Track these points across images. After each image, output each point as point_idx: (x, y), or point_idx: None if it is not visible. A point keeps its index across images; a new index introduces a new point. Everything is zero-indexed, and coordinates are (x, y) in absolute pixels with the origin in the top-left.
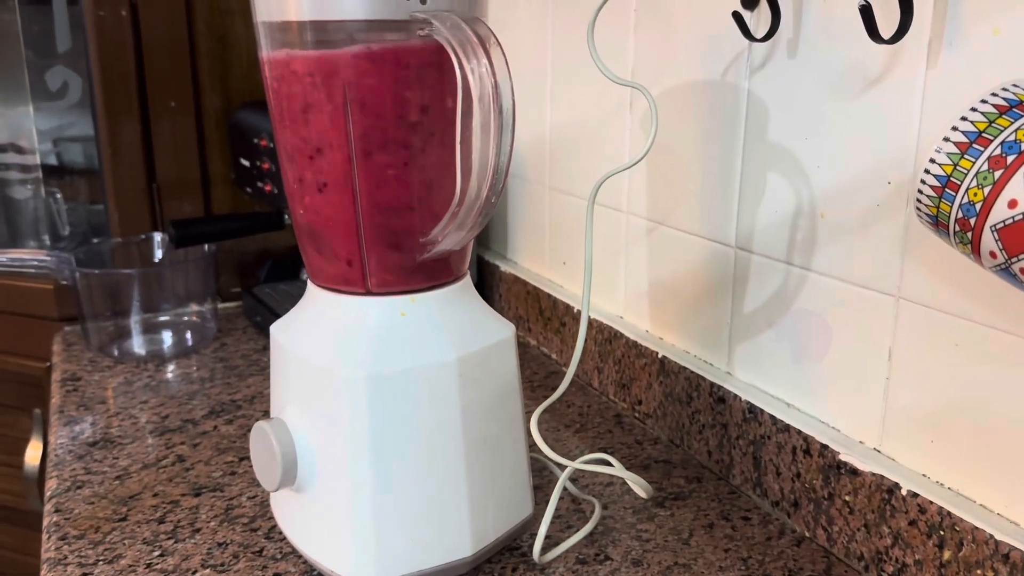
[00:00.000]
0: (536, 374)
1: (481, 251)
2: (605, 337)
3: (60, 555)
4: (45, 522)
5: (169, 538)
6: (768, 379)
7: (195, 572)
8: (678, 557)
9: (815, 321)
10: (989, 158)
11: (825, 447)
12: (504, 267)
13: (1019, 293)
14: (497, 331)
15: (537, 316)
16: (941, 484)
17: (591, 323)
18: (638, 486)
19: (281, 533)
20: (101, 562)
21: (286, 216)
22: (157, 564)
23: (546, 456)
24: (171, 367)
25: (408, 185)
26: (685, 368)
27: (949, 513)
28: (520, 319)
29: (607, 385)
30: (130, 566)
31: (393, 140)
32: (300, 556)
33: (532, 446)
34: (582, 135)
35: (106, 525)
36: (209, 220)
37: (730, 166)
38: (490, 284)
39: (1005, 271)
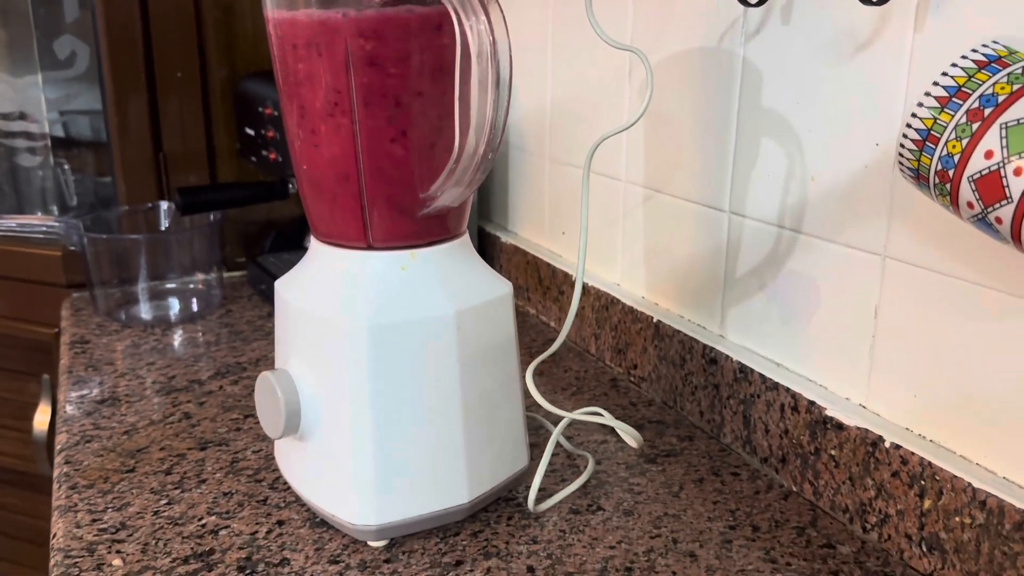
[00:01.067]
0: (535, 341)
1: (482, 222)
2: (602, 304)
3: (70, 503)
4: (55, 473)
5: (176, 488)
6: (759, 340)
7: (201, 519)
8: (668, 508)
9: (804, 282)
10: (968, 111)
11: (812, 403)
12: (504, 238)
13: (1000, 249)
14: (495, 288)
15: (536, 285)
16: (923, 437)
17: (589, 290)
18: (629, 436)
19: (285, 484)
20: (110, 509)
21: (291, 185)
22: (164, 512)
23: (541, 408)
24: (177, 332)
25: (408, 141)
26: (679, 332)
27: (930, 464)
28: (520, 289)
29: (603, 351)
30: (138, 513)
31: (393, 97)
32: (303, 504)
33: (530, 406)
34: (581, 106)
35: (115, 476)
36: (215, 188)
37: (725, 132)
38: (491, 255)
39: (982, 221)
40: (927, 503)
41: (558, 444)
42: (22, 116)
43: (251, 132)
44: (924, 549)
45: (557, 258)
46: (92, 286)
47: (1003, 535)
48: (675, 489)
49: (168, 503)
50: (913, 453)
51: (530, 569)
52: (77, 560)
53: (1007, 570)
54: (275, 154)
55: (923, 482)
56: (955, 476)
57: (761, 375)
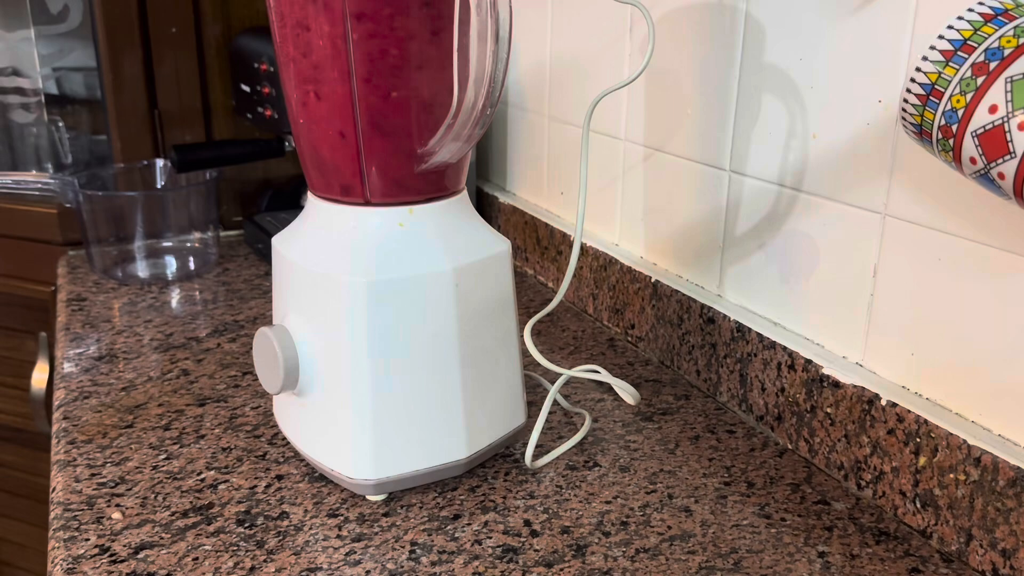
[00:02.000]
0: (532, 301)
1: (480, 183)
2: (600, 264)
3: (69, 457)
4: (54, 428)
5: (175, 443)
6: (757, 299)
7: (200, 474)
8: (664, 465)
9: (804, 241)
10: (973, 65)
11: (809, 362)
12: (503, 198)
13: (1001, 206)
14: (493, 245)
15: (534, 245)
16: (919, 395)
17: (587, 250)
18: (626, 392)
19: (284, 440)
20: (109, 464)
21: (287, 143)
22: (163, 466)
23: (539, 367)
24: (174, 290)
25: (406, 95)
26: (677, 291)
27: (926, 421)
28: (518, 249)
29: (601, 311)
30: (137, 468)
31: (392, 50)
32: (302, 459)
33: (527, 365)
34: (581, 64)
35: (113, 431)
36: (211, 145)
37: (726, 90)
38: (489, 215)
39: (984, 177)
40: (922, 460)
41: (555, 402)
42: (15, 72)
43: (247, 88)
44: (918, 505)
45: (555, 218)
46: (88, 244)
47: (997, 491)
48: (671, 446)
49: (167, 458)
50: (909, 411)
51: (527, 523)
52: (77, 513)
53: (1000, 526)
54: (271, 111)
55: (918, 439)
56: (950, 433)
57: (759, 334)
